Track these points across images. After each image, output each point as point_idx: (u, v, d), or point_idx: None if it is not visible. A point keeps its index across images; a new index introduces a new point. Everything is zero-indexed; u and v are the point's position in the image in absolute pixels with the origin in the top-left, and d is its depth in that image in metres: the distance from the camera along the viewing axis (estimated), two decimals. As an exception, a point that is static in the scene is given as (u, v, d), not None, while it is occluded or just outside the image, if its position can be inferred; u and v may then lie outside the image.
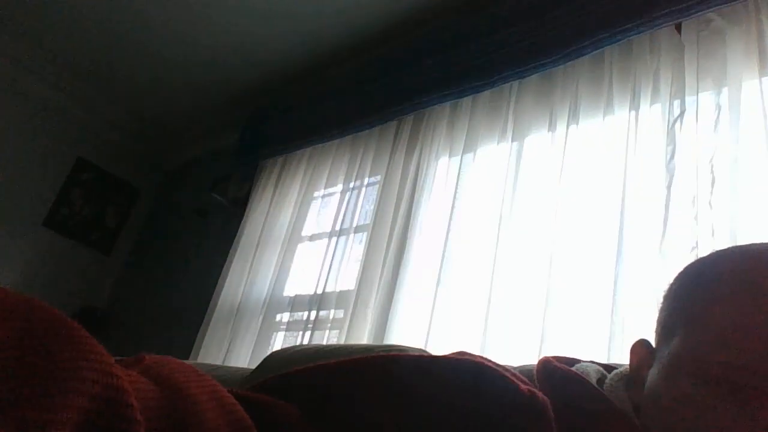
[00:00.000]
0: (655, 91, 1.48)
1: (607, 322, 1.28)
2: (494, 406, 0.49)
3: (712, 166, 1.30)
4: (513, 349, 1.38)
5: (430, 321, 1.55)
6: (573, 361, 0.65)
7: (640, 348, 0.59)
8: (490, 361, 0.56)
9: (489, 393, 0.49)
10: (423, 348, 1.47)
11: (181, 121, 3.08)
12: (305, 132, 2.40)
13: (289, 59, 2.52)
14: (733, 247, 0.59)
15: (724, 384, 0.47)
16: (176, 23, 2.44)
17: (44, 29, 2.64)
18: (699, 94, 1.41)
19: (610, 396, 0.57)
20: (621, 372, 0.62)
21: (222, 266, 2.31)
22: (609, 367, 0.66)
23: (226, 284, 2.23)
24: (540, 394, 0.51)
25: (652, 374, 0.54)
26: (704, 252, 1.19)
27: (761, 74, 1.34)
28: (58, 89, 2.97)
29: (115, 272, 3.10)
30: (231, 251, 2.33)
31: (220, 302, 2.20)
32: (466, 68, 1.93)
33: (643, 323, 1.24)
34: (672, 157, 1.36)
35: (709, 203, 1.26)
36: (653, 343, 0.59)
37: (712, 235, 1.23)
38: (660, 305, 0.60)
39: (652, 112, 1.47)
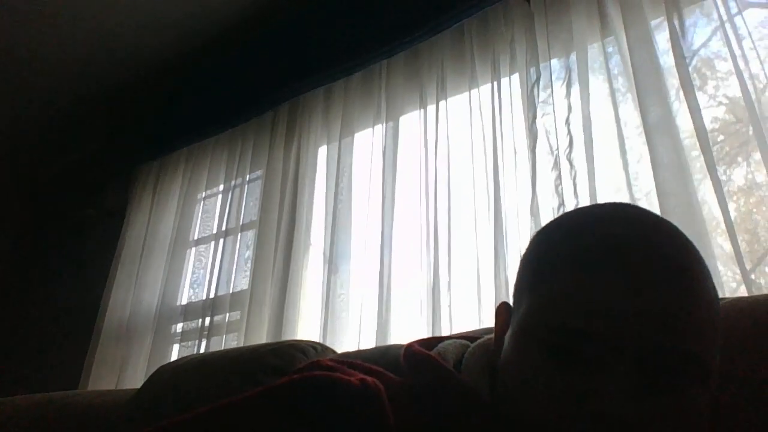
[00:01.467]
0: (513, 60, 1.55)
1: (492, 287, 1.33)
2: (335, 410, 0.49)
3: (568, 126, 1.38)
4: (410, 328, 1.41)
5: (325, 311, 1.55)
6: (439, 341, 0.67)
7: (502, 311, 0.60)
8: (325, 363, 0.57)
9: (328, 401, 0.49)
10: (320, 341, 1.47)
11: (42, 133, 2.83)
12: (179, 132, 2.30)
13: (155, 54, 2.38)
14: (576, 212, 0.60)
15: (564, 350, 0.48)
16: (21, 18, 2.23)
17: None
18: (551, 59, 1.49)
19: (466, 370, 0.59)
20: (484, 341, 0.63)
21: (104, 283, 2.17)
22: (468, 337, 0.68)
23: (111, 300, 2.10)
24: (371, 380, 0.51)
25: (507, 338, 0.56)
26: (569, 209, 1.28)
27: (603, 37, 1.44)
28: None
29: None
30: (113, 265, 2.19)
31: (106, 322, 2.06)
32: (335, 52, 1.92)
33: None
34: (533, 121, 1.43)
35: (569, 160, 1.34)
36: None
37: (575, 189, 1.31)
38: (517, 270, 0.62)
39: (512, 81, 1.54)
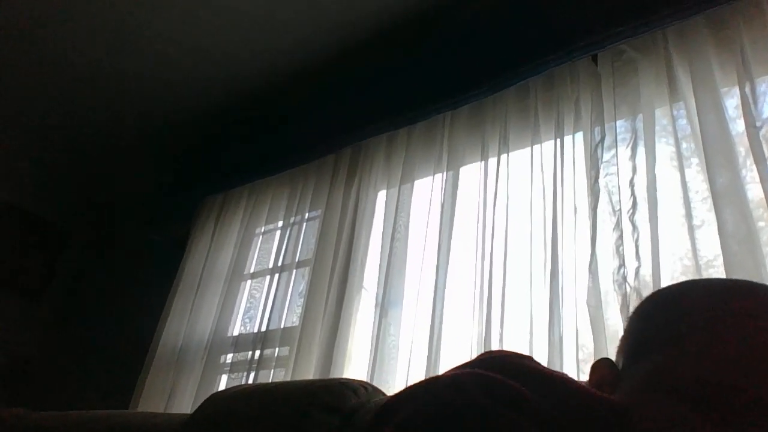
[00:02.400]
0: (577, 118, 1.57)
1: (545, 344, 1.32)
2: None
3: (632, 187, 1.38)
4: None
5: (374, 353, 1.55)
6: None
7: (603, 366, 0.59)
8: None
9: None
10: (368, 380, 1.47)
11: (116, 159, 3.00)
12: (244, 169, 2.39)
13: (222, 94, 2.52)
14: (701, 279, 0.61)
15: (710, 402, 0.47)
16: (104, 56, 2.41)
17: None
18: (617, 120, 1.50)
19: None
20: None
21: (161, 309, 2.24)
22: None
23: (167, 327, 2.16)
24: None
25: (621, 391, 0.54)
26: (630, 271, 1.26)
27: (671, 100, 1.44)
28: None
29: (47, 320, 2.95)
30: (171, 292, 2.27)
31: (160, 346, 2.13)
32: (400, 101, 1.99)
33: (576, 338, 1.28)
34: (596, 180, 1.43)
35: (631, 222, 1.33)
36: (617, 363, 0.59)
37: (636, 252, 1.29)
38: (628, 326, 0.60)
39: (576, 139, 1.55)
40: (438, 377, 0.50)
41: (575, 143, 1.54)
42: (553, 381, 0.50)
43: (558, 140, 1.56)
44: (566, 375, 0.53)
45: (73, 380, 2.59)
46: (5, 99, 2.68)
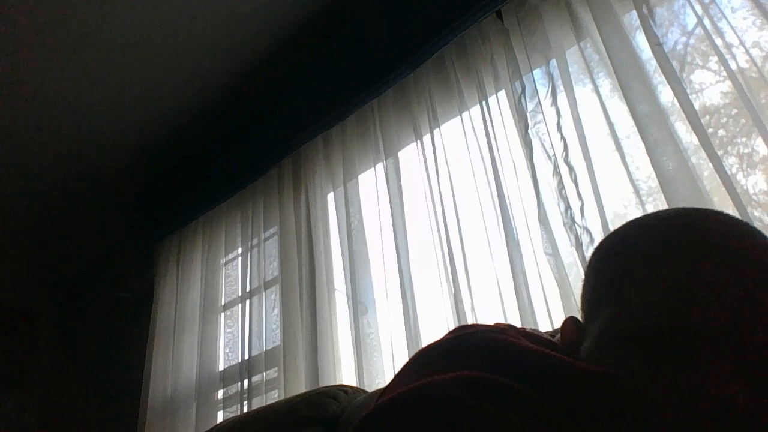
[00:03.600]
0: (496, 77, 1.58)
1: (514, 301, 1.33)
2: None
3: (560, 130, 1.40)
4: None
5: (357, 353, 1.55)
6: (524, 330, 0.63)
7: (569, 325, 0.59)
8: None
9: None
10: (356, 383, 1.47)
11: (65, 228, 2.93)
12: (192, 202, 2.36)
13: (157, 136, 2.47)
14: (644, 216, 0.59)
15: (665, 348, 0.46)
16: (28, 118, 2.35)
17: None
18: (532, 70, 1.52)
19: None
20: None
21: (143, 360, 2.21)
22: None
23: (152, 376, 2.13)
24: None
25: (583, 351, 0.54)
26: (576, 211, 1.28)
27: (578, 39, 1.46)
28: None
29: (34, 404, 2.88)
30: (149, 341, 2.23)
31: (150, 397, 2.09)
32: (327, 99, 1.98)
33: (542, 290, 1.30)
34: (526, 131, 1.45)
35: (567, 164, 1.35)
36: (582, 320, 0.59)
37: (578, 192, 1.32)
38: (583, 281, 0.60)
39: (499, 97, 1.56)
40: (418, 387, 0.47)
41: (500, 101, 1.56)
42: (536, 361, 0.50)
43: (483, 102, 1.57)
44: (544, 351, 0.51)
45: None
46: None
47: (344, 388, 1.08)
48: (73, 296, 3.05)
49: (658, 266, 0.50)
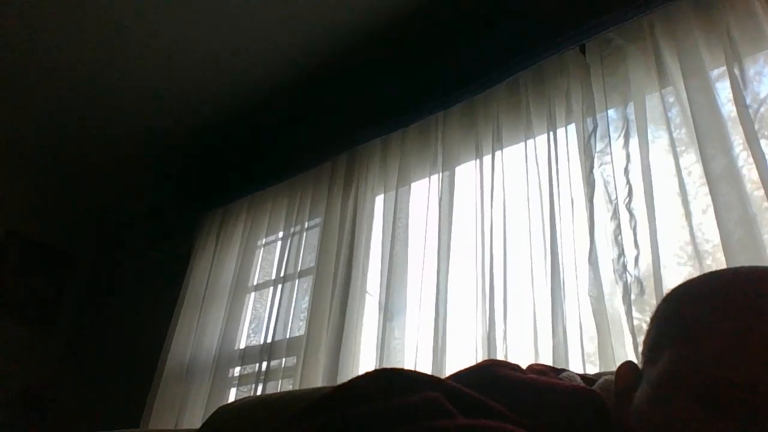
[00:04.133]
0: (569, 110, 1.56)
1: (549, 338, 1.31)
2: None
3: (627, 176, 1.37)
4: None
5: (380, 358, 1.55)
6: (559, 370, 0.66)
7: (626, 370, 0.59)
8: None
9: None
10: (374, 385, 1.46)
11: (116, 180, 3.02)
12: (242, 182, 2.40)
13: (219, 108, 2.52)
14: (719, 271, 0.59)
15: (722, 402, 0.46)
16: (101, 81, 2.42)
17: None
18: (608, 109, 1.49)
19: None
20: (605, 384, 0.62)
21: (168, 325, 2.25)
22: (585, 378, 0.67)
23: (174, 342, 2.17)
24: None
25: (639, 395, 0.54)
26: (629, 259, 1.25)
27: (661, 86, 1.43)
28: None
29: (58, 345, 2.97)
30: (176, 308, 2.28)
31: (168, 361, 2.13)
32: (392, 103, 1.99)
33: (580, 331, 1.28)
34: (590, 171, 1.43)
35: (629, 210, 1.33)
36: (640, 366, 0.59)
37: (635, 240, 1.29)
38: (647, 328, 0.61)
39: (569, 131, 1.54)
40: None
41: (568, 135, 1.54)
42: (521, 386, 0.57)
43: (551, 133, 1.56)
44: (535, 378, 0.59)
45: (87, 402, 2.60)
46: (11, 129, 2.70)
47: (369, 390, 1.08)
48: (111, 246, 3.13)
49: (726, 321, 0.50)
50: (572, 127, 1.54)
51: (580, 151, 1.48)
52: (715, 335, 0.50)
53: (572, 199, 1.44)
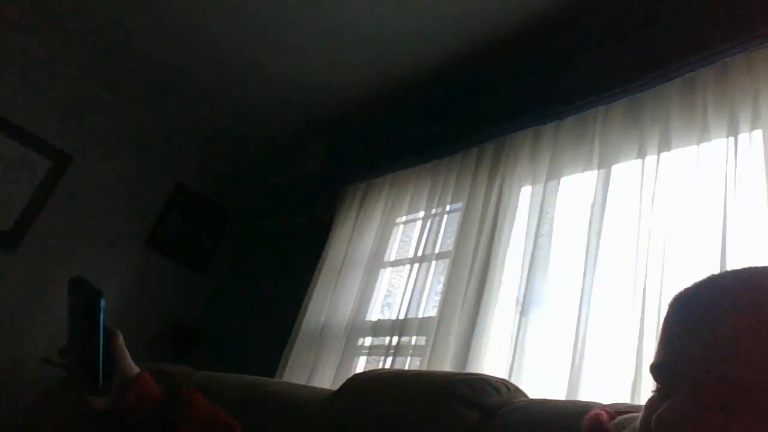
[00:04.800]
0: (756, 115, 1.41)
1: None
2: None
3: (823, 195, 1.22)
4: (605, 383, 1.34)
5: (513, 351, 1.53)
6: (630, 410, 0.66)
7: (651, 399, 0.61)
8: None
9: None
10: (506, 378, 1.45)
11: (271, 148, 3.24)
12: (386, 159, 2.46)
13: (368, 86, 2.59)
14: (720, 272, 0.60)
15: (726, 402, 0.48)
16: (262, 58, 2.59)
17: (149, 69, 2.87)
18: (805, 118, 1.33)
19: None
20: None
21: (307, 288, 2.38)
22: None
23: (310, 306, 2.30)
24: None
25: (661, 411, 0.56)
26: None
27: None
28: (161, 121, 3.23)
29: (208, 290, 3.28)
30: (315, 274, 2.40)
31: (304, 324, 2.26)
32: (548, 94, 1.92)
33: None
34: (776, 184, 1.29)
35: (820, 234, 1.18)
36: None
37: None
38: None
39: (753, 138, 1.40)
40: None
41: (752, 142, 1.39)
42: None
43: (731, 138, 1.42)
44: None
45: (228, 347, 2.85)
46: (187, 97, 3.00)
47: (506, 383, 1.07)
48: (263, 209, 3.39)
49: (724, 321, 0.52)
50: (758, 134, 1.39)
51: (765, 162, 1.33)
52: (716, 335, 0.51)
53: (750, 213, 1.31)
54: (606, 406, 0.70)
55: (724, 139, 1.43)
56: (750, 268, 0.57)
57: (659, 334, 0.58)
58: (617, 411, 0.68)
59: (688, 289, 0.58)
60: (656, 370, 0.54)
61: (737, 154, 1.39)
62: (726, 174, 1.37)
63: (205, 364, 2.13)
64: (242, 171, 3.49)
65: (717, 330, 0.50)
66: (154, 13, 2.50)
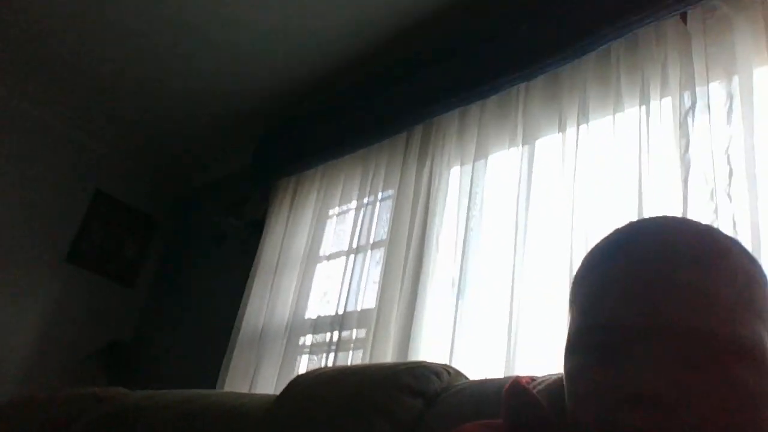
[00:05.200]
0: (665, 83, 1.46)
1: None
2: None
3: (728, 157, 1.28)
4: (539, 359, 1.36)
5: (452, 335, 1.54)
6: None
7: None
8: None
9: None
10: (447, 363, 1.46)
11: (195, 147, 3.11)
12: (316, 149, 2.41)
13: (294, 77, 2.53)
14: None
15: (586, 352, 0.51)
16: (181, 49, 2.47)
17: (60, 66, 2.69)
18: (709, 83, 1.38)
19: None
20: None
21: (243, 291, 2.31)
22: None
23: (248, 309, 2.23)
24: None
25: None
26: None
27: (772, 59, 1.31)
28: (74, 123, 3.01)
29: (139, 304, 3.13)
30: (251, 274, 2.34)
31: (243, 327, 2.20)
32: (472, 75, 1.92)
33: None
34: (686, 150, 1.34)
35: (728, 195, 1.24)
36: None
37: (734, 227, 1.20)
38: None
39: (663, 106, 1.45)
40: None
41: (662, 110, 1.44)
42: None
43: (643, 107, 1.46)
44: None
45: (165, 361, 2.74)
46: (103, 97, 2.83)
47: (447, 368, 1.07)
48: (190, 212, 3.25)
49: (595, 270, 0.55)
50: (667, 102, 1.44)
51: (675, 128, 1.38)
52: (585, 286, 0.55)
53: (664, 179, 1.36)
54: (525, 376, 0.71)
55: (637, 108, 1.47)
56: (676, 217, 0.59)
57: (575, 295, 0.56)
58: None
59: (616, 241, 0.56)
60: (599, 331, 0.50)
61: (649, 122, 1.43)
62: (640, 142, 1.42)
63: (143, 383, 2.03)
64: (166, 174, 3.32)
65: (691, 283, 0.48)
66: (63, 7, 2.34)
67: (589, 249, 1.29)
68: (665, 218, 0.58)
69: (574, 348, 0.53)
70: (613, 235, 0.58)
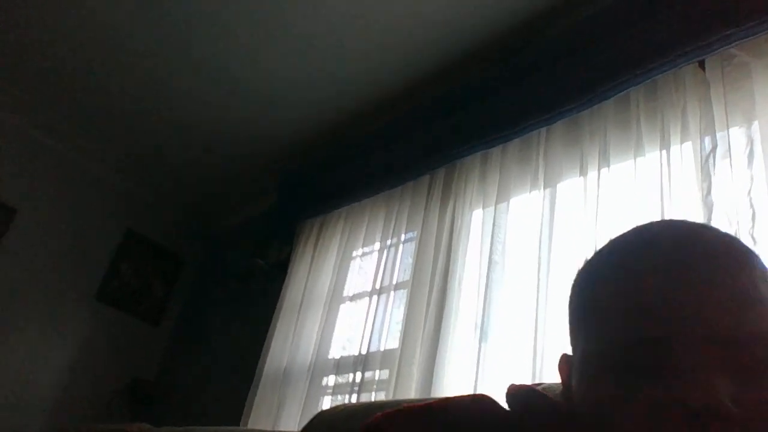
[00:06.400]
0: (685, 128, 1.48)
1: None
2: None
3: (750, 199, 1.28)
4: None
5: (476, 376, 1.53)
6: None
7: (562, 363, 0.61)
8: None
9: None
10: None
11: (222, 188, 3.20)
12: (340, 192, 2.46)
13: (322, 119, 2.62)
14: (602, 248, 0.60)
15: (621, 370, 0.48)
16: (211, 96, 2.58)
17: (93, 111, 2.82)
18: (729, 129, 1.40)
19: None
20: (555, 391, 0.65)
21: (267, 331, 2.34)
22: None
23: (272, 348, 2.25)
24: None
25: (574, 384, 0.56)
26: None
27: (791, 104, 1.33)
28: (107, 165, 3.14)
29: (164, 342, 3.17)
30: (275, 314, 2.36)
31: (266, 367, 2.21)
32: (494, 119, 1.97)
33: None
34: (708, 192, 1.35)
35: (752, 236, 1.24)
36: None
37: (759, 270, 1.20)
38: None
39: (684, 150, 1.47)
40: None
41: (683, 154, 1.46)
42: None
43: (664, 151, 1.48)
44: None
45: (189, 398, 2.75)
46: (135, 140, 2.95)
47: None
48: (216, 252, 3.31)
49: (614, 286, 0.52)
50: (688, 146, 1.46)
51: (696, 171, 1.40)
52: (607, 300, 0.52)
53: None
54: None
55: (657, 152, 1.49)
56: (694, 223, 0.58)
57: (598, 312, 0.53)
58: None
59: (634, 252, 0.53)
60: (651, 346, 0.46)
61: (670, 166, 1.45)
62: (661, 185, 1.43)
63: (167, 420, 2.05)
64: (194, 215, 3.42)
65: (735, 289, 0.46)
66: (98, 51, 2.47)
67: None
68: (670, 222, 0.58)
69: (598, 368, 0.50)
70: (623, 246, 0.56)
